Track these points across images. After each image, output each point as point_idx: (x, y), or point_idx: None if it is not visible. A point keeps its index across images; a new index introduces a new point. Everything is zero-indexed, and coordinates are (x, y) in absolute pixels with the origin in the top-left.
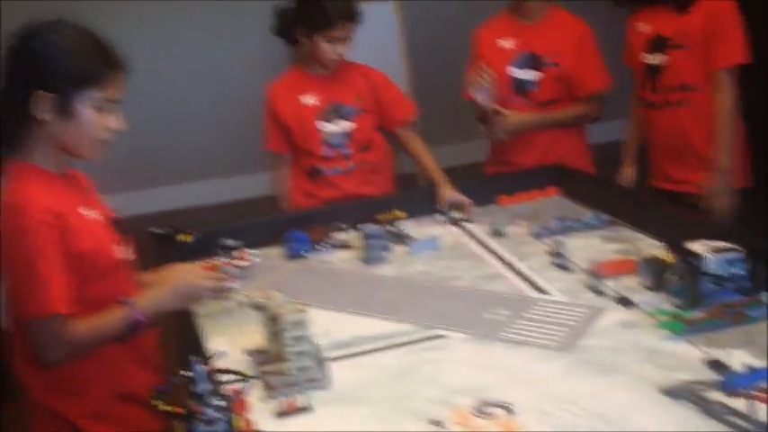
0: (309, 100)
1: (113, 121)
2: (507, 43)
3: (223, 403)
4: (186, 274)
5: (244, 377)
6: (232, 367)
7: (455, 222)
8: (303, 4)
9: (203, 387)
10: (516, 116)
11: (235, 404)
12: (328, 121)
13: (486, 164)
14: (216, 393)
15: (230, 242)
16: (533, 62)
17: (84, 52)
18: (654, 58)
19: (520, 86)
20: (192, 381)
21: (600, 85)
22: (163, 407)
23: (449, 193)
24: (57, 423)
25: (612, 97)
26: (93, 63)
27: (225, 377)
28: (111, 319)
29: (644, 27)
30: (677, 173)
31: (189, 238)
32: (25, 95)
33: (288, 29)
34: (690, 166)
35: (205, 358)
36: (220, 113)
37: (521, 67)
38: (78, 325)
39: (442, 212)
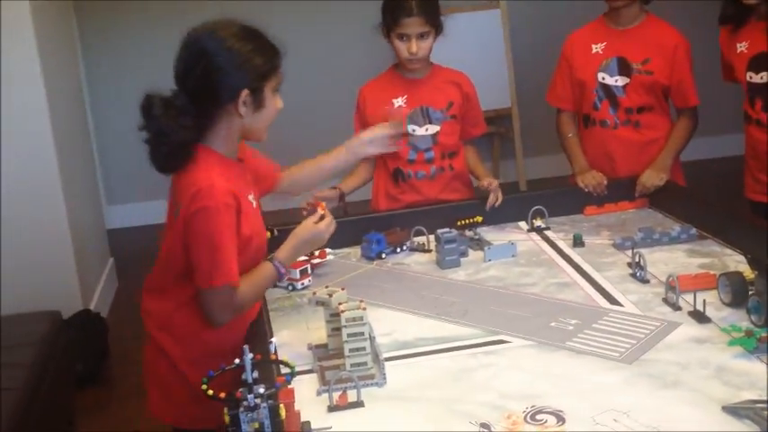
0: (400, 102)
1: (280, 103)
2: (599, 47)
3: (265, 391)
4: (304, 225)
5: (290, 369)
6: (291, 359)
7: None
8: (382, 5)
9: (248, 375)
10: (656, 173)
11: (281, 393)
12: (418, 124)
13: (571, 175)
14: (261, 382)
15: None
16: (623, 67)
17: (263, 48)
18: (761, 77)
19: (608, 92)
20: (241, 369)
21: (696, 98)
22: (209, 391)
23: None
24: (165, 360)
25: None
26: (271, 56)
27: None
28: (265, 276)
29: (744, 47)
30: None
31: (269, 235)
32: (220, 95)
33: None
34: None
35: (260, 348)
36: (321, 118)
37: (611, 72)
38: (242, 289)
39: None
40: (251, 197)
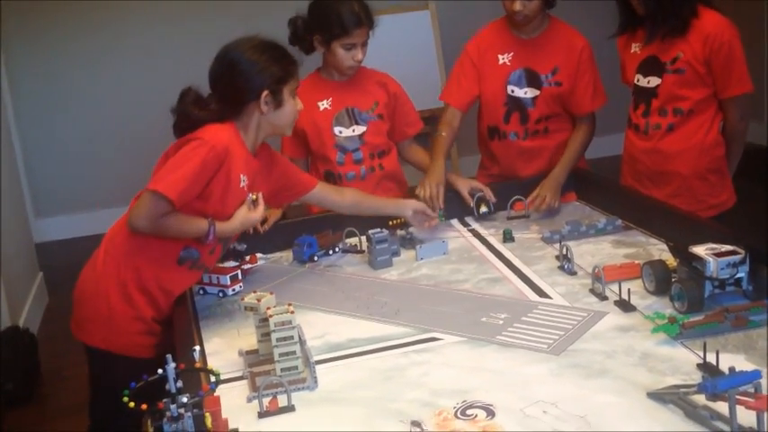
0: (326, 105)
1: (299, 104)
2: (505, 58)
3: (188, 400)
4: (241, 211)
5: (216, 376)
6: (222, 366)
7: (482, 216)
8: (318, 13)
9: (171, 385)
10: (551, 186)
11: (207, 401)
12: (344, 126)
13: (478, 176)
14: (184, 391)
15: (239, 246)
16: (532, 79)
17: (278, 57)
18: (648, 81)
19: (517, 104)
20: (164, 379)
21: (600, 102)
22: (130, 403)
23: (466, 185)
24: (92, 274)
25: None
26: (286, 64)
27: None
28: (196, 224)
29: (637, 47)
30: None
31: None
32: (245, 95)
33: (304, 38)
34: (670, 193)
35: (184, 356)
36: None
37: (520, 84)
38: (172, 216)
39: (472, 210)
40: (243, 177)
